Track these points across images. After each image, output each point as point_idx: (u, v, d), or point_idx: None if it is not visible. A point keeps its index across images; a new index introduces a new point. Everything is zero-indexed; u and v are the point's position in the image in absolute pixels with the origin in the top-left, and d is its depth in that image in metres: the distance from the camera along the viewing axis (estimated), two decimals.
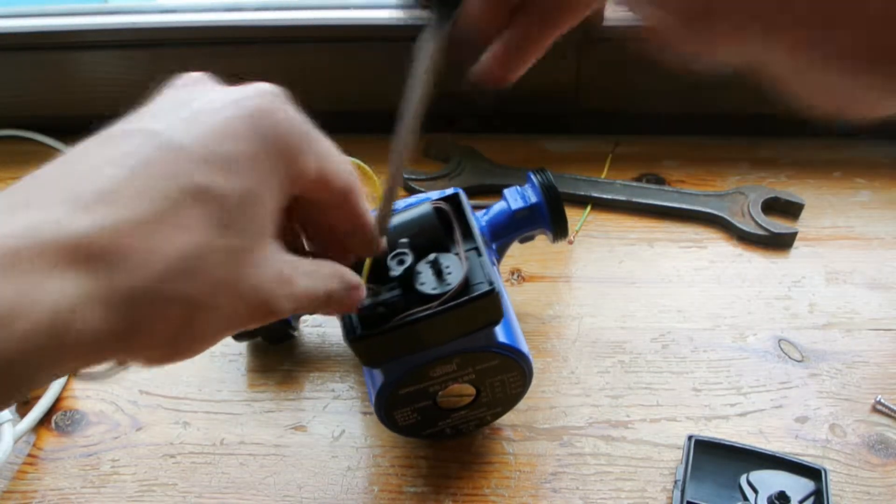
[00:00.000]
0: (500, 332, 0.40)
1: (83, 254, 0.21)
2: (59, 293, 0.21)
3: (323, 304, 0.29)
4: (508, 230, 0.49)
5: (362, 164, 0.34)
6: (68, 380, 0.51)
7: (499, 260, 0.49)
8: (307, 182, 0.27)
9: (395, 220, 0.41)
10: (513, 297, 0.55)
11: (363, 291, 0.31)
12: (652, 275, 0.56)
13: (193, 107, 0.25)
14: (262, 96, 0.26)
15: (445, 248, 0.39)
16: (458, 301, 0.36)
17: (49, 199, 0.22)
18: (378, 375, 0.40)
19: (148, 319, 0.23)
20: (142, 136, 0.24)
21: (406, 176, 0.64)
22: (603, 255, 0.58)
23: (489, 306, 0.37)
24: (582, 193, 0.62)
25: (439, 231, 0.39)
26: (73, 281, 0.21)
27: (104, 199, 0.22)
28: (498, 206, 0.49)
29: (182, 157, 0.23)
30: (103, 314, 0.22)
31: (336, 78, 0.68)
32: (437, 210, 0.40)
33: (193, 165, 0.23)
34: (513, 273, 0.57)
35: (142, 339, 0.23)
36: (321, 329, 0.54)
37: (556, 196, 0.48)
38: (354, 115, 0.68)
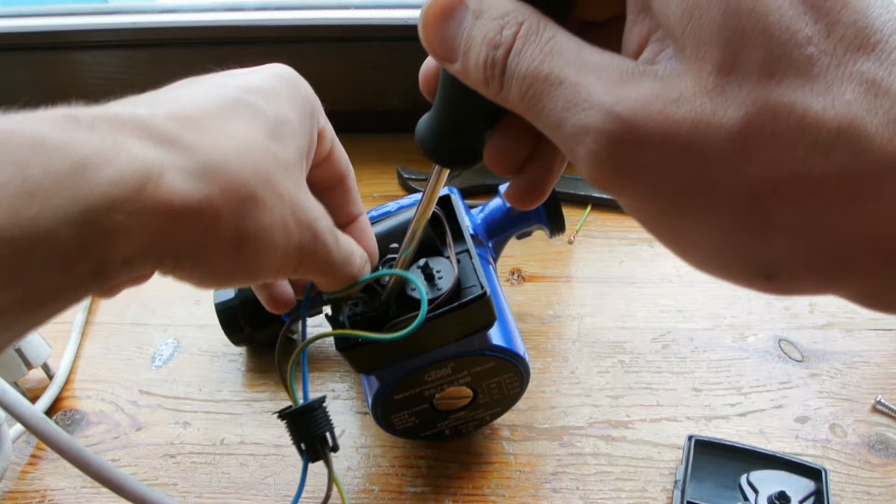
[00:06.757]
0: (494, 335, 0.40)
1: (157, 133, 0.24)
2: (146, 153, 0.23)
3: (347, 258, 0.32)
4: (505, 226, 0.48)
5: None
6: (68, 380, 0.51)
7: (496, 257, 0.49)
8: (322, 150, 0.32)
9: (385, 224, 0.40)
10: (513, 297, 0.55)
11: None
12: (652, 275, 0.56)
13: (235, 72, 0.30)
14: (291, 70, 0.31)
15: (437, 251, 0.39)
16: (450, 307, 0.35)
17: (120, 104, 0.25)
18: (373, 381, 0.40)
19: (219, 193, 0.24)
20: (193, 82, 0.29)
21: (406, 175, 0.64)
22: (603, 255, 0.58)
23: (481, 310, 0.36)
24: (582, 193, 0.62)
25: (430, 235, 0.39)
26: (153, 149, 0.23)
27: (167, 101, 0.26)
28: (493, 203, 0.49)
29: (230, 84, 0.28)
30: (182, 180, 0.23)
31: (336, 78, 0.68)
32: None
33: (240, 90, 0.28)
34: (513, 273, 0.57)
35: (210, 217, 0.24)
36: (321, 329, 0.54)
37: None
38: (354, 115, 0.68)
